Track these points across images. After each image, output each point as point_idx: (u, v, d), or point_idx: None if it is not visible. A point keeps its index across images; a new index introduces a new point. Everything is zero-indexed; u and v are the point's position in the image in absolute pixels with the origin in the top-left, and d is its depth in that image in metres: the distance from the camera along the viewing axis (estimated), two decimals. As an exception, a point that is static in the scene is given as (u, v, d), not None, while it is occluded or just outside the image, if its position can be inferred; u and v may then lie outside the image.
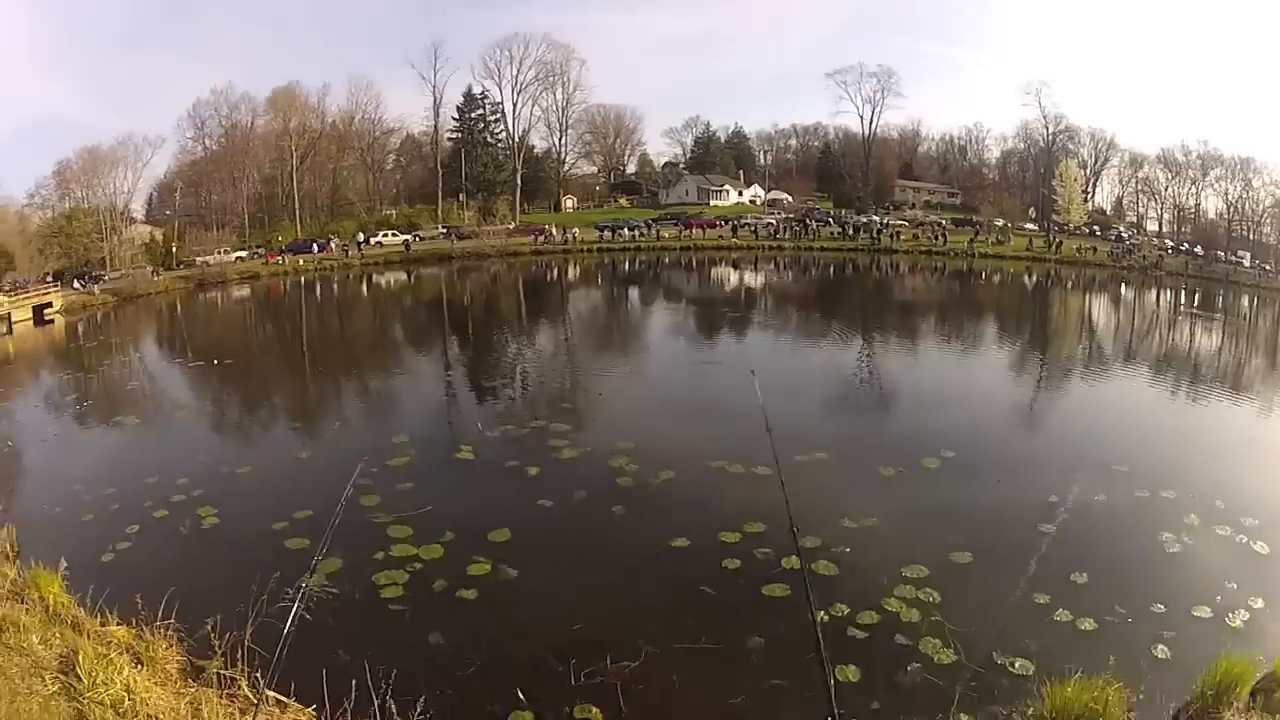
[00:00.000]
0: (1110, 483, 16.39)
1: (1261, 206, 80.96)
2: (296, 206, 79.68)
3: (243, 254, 68.84)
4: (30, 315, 46.06)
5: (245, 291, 57.97)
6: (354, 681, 7.85)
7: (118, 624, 8.54)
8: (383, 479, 15.86)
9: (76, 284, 56.11)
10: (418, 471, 16.82)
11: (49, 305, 48.43)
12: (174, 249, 67.06)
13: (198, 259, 65.87)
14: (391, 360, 33.58)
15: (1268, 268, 71.56)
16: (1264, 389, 28.69)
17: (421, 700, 7.97)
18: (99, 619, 8.51)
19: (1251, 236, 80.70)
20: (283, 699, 7.92)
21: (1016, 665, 9.88)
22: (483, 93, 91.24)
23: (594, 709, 9.02)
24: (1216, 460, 18.92)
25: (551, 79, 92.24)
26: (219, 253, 67.74)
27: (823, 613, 11.06)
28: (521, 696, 9.10)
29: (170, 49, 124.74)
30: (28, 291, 50.09)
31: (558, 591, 11.80)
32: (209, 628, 8.67)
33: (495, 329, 41.46)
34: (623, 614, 11.19)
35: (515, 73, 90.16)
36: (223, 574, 11.31)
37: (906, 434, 20.71)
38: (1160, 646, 10.23)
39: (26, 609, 8.49)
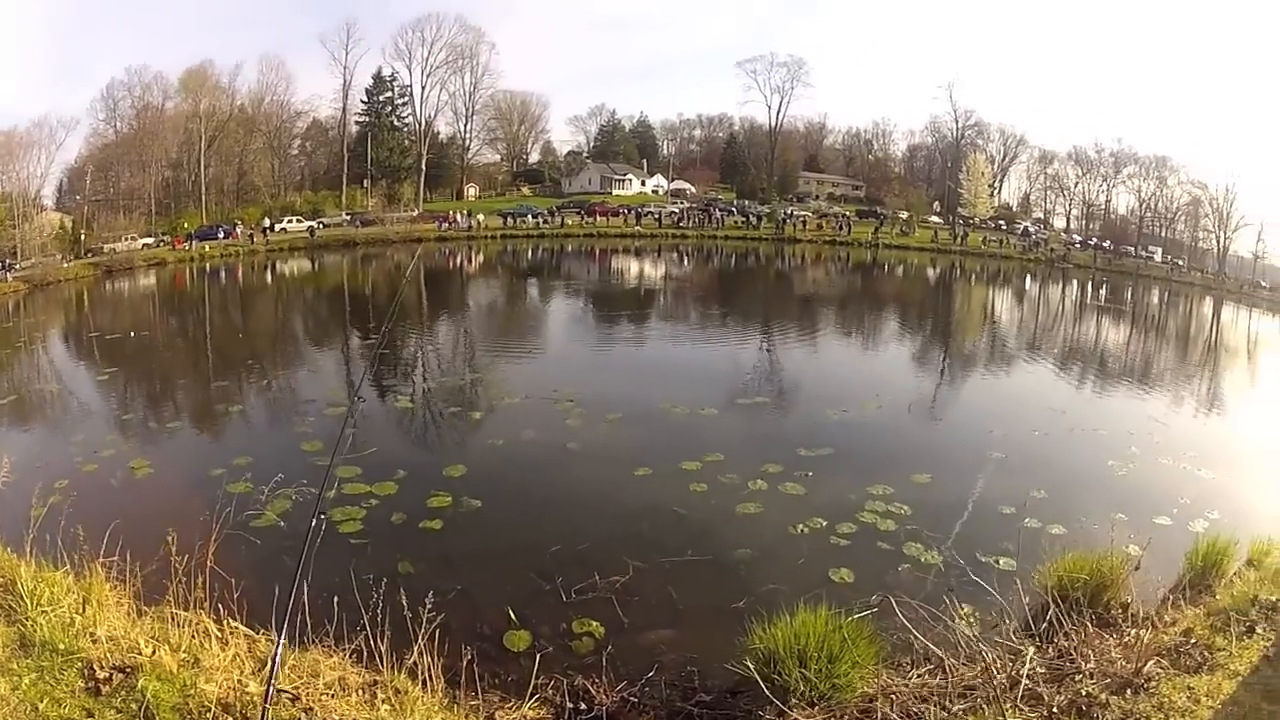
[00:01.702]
0: (1048, 421, 17.92)
1: (1176, 204, 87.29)
2: (203, 192, 78.96)
3: (150, 240, 68.76)
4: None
5: (152, 279, 56.97)
6: (325, 615, 7.43)
7: (49, 569, 7.95)
8: (323, 426, 15.71)
9: (-12, 272, 54.75)
10: (359, 419, 16.48)
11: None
12: (83, 236, 65.82)
13: (105, 246, 64.96)
14: (310, 338, 33.32)
15: (1180, 263, 77.52)
16: (1175, 370, 31.26)
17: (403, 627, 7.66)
18: (33, 563, 7.93)
19: (1164, 234, 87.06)
20: (248, 630, 7.45)
21: (1001, 563, 10.60)
22: (392, 75, 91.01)
23: (593, 622, 9.04)
24: (1142, 414, 20.56)
25: (461, 63, 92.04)
26: (127, 239, 66.99)
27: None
28: (513, 616, 9.03)
29: (89, 28, 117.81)
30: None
31: (527, 519, 11.79)
32: (154, 564, 8.14)
33: (411, 312, 40.83)
34: (600, 536, 11.28)
35: (426, 55, 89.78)
36: (161, 516, 10.47)
37: (844, 384, 21.88)
38: (1132, 546, 11.04)
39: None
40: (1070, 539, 11.26)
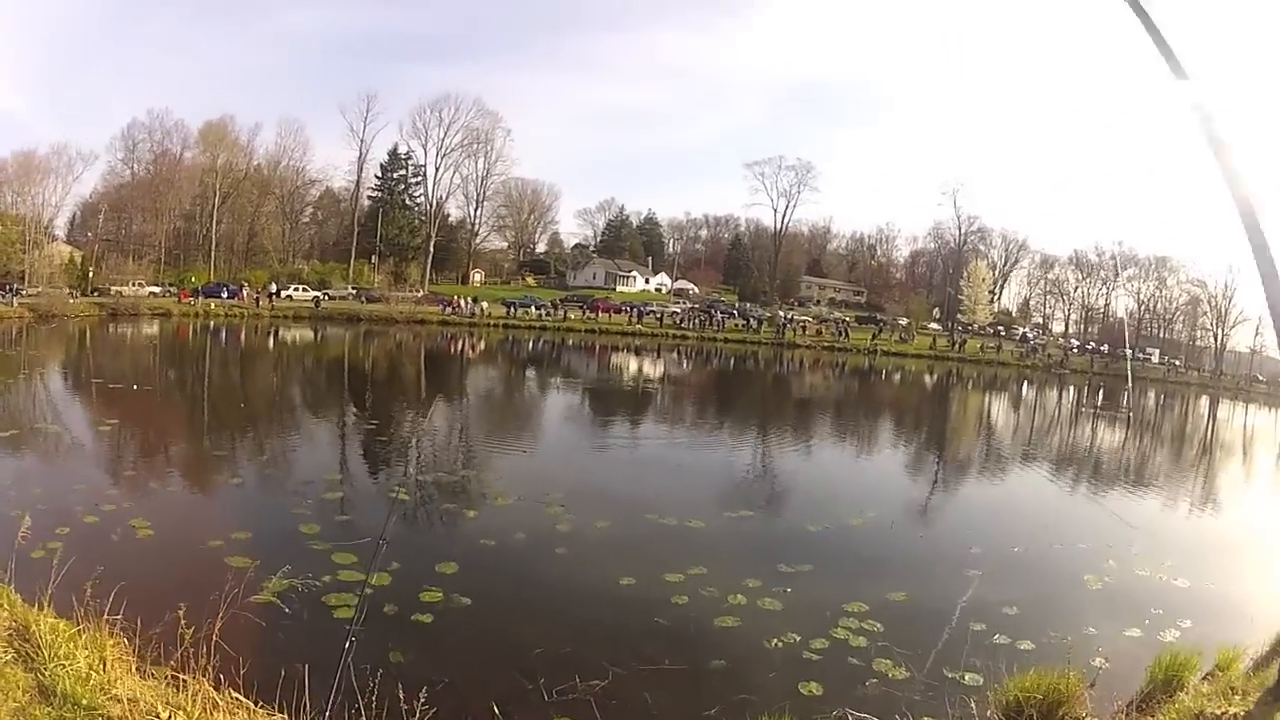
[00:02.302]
0: (1030, 536, 18.40)
1: (1175, 304, 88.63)
2: (213, 247, 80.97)
3: (156, 289, 69.92)
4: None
5: (155, 329, 57.91)
6: (319, 693, 7.77)
7: (56, 618, 8.37)
8: (320, 509, 16.18)
9: (-4, 293, 55.38)
10: (354, 505, 17.13)
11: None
12: (91, 274, 67.25)
13: (112, 288, 66.20)
14: (309, 413, 33.66)
15: (1176, 363, 78.38)
16: (1165, 474, 31.78)
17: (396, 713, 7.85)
18: (39, 609, 8.35)
19: (1162, 334, 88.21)
20: (251, 704, 7.87)
21: (967, 678, 10.90)
22: (408, 153, 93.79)
23: (572, 723, 9.40)
24: (1127, 525, 20.99)
25: (476, 146, 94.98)
26: (135, 284, 68.33)
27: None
28: (498, 712, 9.40)
29: (119, 60, 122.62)
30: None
31: (514, 619, 12.13)
32: (158, 628, 8.64)
33: (410, 395, 41.57)
34: (583, 640, 11.64)
35: (442, 135, 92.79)
36: (164, 581, 11.20)
37: (831, 496, 22.38)
38: (1099, 660, 11.48)
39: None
40: (1037, 653, 11.61)
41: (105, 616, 8.19)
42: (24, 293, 58.07)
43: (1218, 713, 7.55)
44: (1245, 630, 11.85)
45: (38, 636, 7.08)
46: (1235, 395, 66.50)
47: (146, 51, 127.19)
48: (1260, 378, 71.44)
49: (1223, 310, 78.53)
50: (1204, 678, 9.74)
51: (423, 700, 6.93)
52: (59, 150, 73.38)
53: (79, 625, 8.09)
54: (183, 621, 7.41)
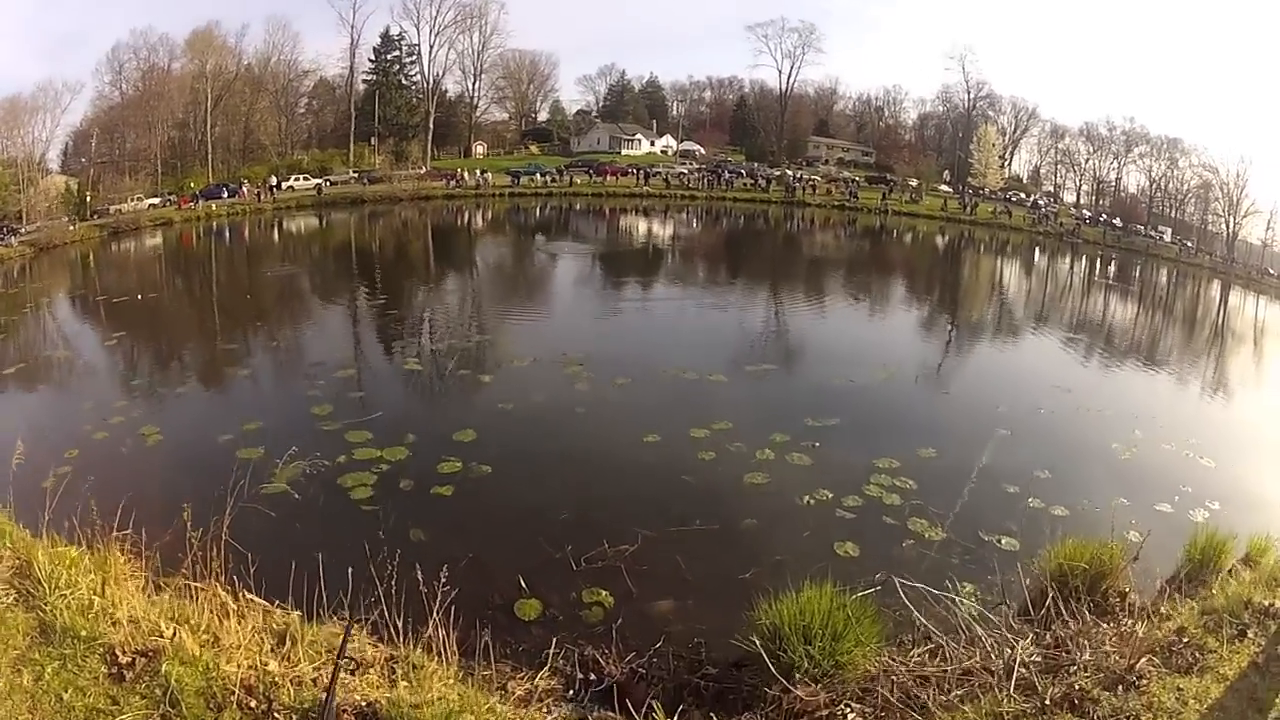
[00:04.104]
0: (1054, 399, 17.99)
1: (1186, 186, 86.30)
2: (209, 152, 78.65)
3: (156, 201, 68.01)
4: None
5: (158, 239, 56.70)
6: (337, 586, 7.06)
7: (67, 545, 7.89)
8: (331, 389, 15.85)
9: (-7, 238, 54.81)
10: (366, 382, 16.92)
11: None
12: (89, 198, 65.06)
13: (112, 207, 64.63)
14: (316, 297, 32.79)
15: (1189, 244, 76.98)
16: (1182, 351, 31.35)
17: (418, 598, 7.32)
18: (48, 541, 7.88)
19: (1174, 215, 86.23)
20: (265, 603, 7.44)
21: (1003, 542, 10.69)
22: (400, 34, 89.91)
23: (602, 591, 9.18)
24: (1149, 398, 20.73)
25: (469, 22, 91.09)
26: (133, 200, 66.71)
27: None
28: (524, 585, 9.16)
29: None
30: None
31: (537, 486, 11.87)
32: (168, 537, 8.14)
33: (419, 270, 40.85)
34: (609, 503, 11.39)
35: (434, 14, 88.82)
36: (174, 486, 10.70)
37: (852, 351, 22.03)
38: (1132, 533, 11.14)
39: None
40: (1072, 521, 11.38)
41: (113, 534, 7.69)
42: (22, 231, 56.49)
43: (1265, 603, 7.21)
44: (1274, 518, 11.55)
45: (38, 570, 6.58)
46: (1247, 284, 65.31)
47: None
48: (1271, 271, 69.96)
49: (1235, 199, 76.36)
50: (1237, 567, 9.42)
51: (443, 582, 6.46)
52: (43, 87, 69.99)
53: (83, 548, 7.63)
54: (188, 526, 6.84)
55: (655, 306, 29.09)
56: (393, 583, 6.61)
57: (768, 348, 22.65)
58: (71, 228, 58.09)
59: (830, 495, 11.71)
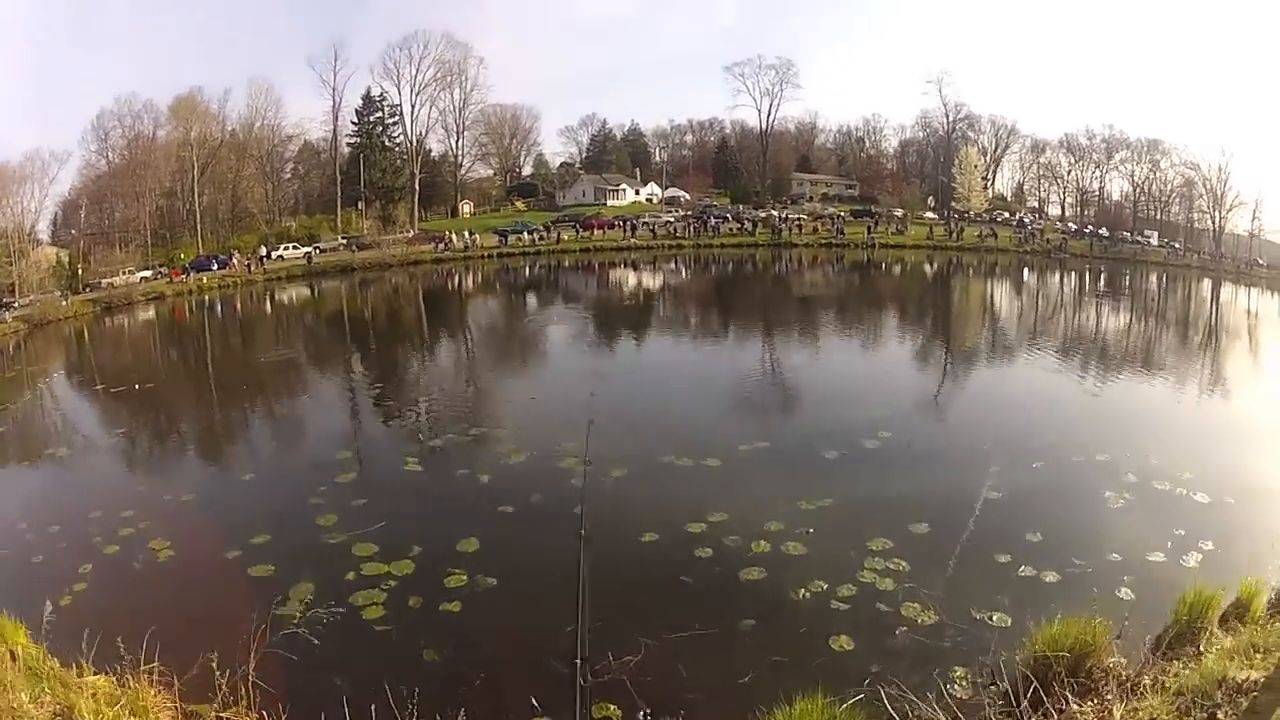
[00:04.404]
0: (1048, 449, 18.30)
1: (1170, 186, 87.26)
2: (198, 221, 79.41)
3: (147, 273, 68.80)
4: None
5: (151, 314, 57.32)
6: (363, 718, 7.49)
7: (94, 673, 8.24)
8: (334, 497, 16.13)
9: (-13, 313, 54.61)
10: (369, 487, 17.07)
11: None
12: (80, 271, 65.74)
13: (103, 280, 65.19)
14: (313, 380, 33.25)
15: (1176, 245, 77.62)
16: (1174, 361, 31.83)
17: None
18: (74, 669, 8.23)
19: (1160, 216, 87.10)
20: None
21: (994, 619, 10.96)
22: (381, 94, 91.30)
23: (610, 706, 9.47)
24: (1141, 426, 21.04)
25: (450, 79, 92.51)
26: (124, 273, 67.36)
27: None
28: (536, 704, 9.46)
29: (76, 55, 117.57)
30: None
31: (541, 595, 12.10)
32: (195, 670, 8.51)
33: (414, 343, 41.45)
34: (611, 611, 11.57)
35: (414, 73, 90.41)
36: (191, 610, 11.19)
37: (840, 421, 22.11)
38: (1124, 590, 11.53)
39: (-1, 664, 8.18)
40: (1062, 588, 11.68)
41: (142, 667, 8.09)
42: (15, 305, 56.94)
43: (1240, 679, 7.50)
44: (1265, 550, 11.83)
45: (80, 715, 7.00)
46: (1237, 279, 65.80)
47: (104, 43, 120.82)
48: (1261, 261, 70.48)
49: (1219, 193, 77.21)
50: (1228, 616, 9.68)
51: (461, 709, 6.86)
52: (31, 156, 70.87)
53: (119, 681, 8.00)
54: (215, 669, 7.32)
55: (646, 375, 29.48)
56: (412, 704, 7.16)
57: (761, 416, 23.16)
58: (64, 302, 58.29)
59: (825, 586, 11.99)
